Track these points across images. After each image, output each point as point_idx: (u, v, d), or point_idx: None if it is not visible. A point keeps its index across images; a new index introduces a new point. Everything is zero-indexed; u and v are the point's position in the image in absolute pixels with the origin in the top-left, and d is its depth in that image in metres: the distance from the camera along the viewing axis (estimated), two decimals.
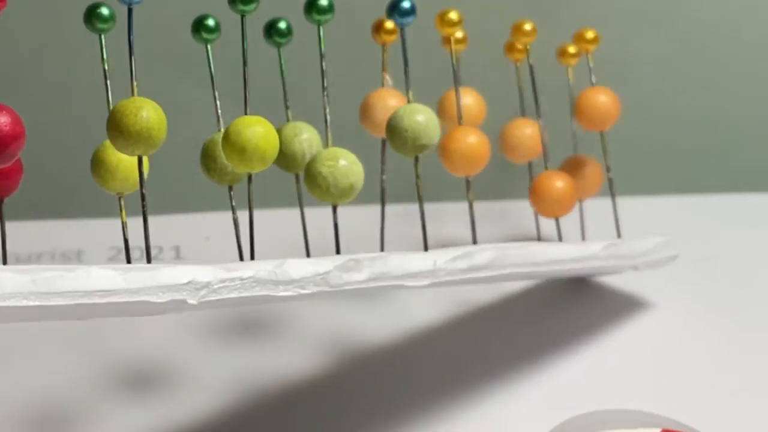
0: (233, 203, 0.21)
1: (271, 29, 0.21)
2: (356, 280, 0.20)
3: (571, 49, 0.28)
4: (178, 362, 0.27)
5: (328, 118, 0.21)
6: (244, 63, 0.19)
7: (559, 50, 0.28)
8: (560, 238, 0.28)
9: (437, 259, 0.22)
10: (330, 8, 0.20)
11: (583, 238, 0.29)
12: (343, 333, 0.29)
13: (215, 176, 0.21)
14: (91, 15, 0.19)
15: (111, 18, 0.19)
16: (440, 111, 0.27)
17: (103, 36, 0.19)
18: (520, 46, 0.28)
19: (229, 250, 0.21)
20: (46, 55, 0.49)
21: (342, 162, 0.20)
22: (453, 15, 0.24)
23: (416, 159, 0.21)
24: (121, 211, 0.20)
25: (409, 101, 0.22)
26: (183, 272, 0.18)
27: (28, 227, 0.34)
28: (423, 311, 0.30)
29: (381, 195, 0.25)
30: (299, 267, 0.20)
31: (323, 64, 0.21)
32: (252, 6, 0.19)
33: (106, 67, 0.19)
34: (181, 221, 0.35)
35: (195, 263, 0.18)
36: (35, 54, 0.48)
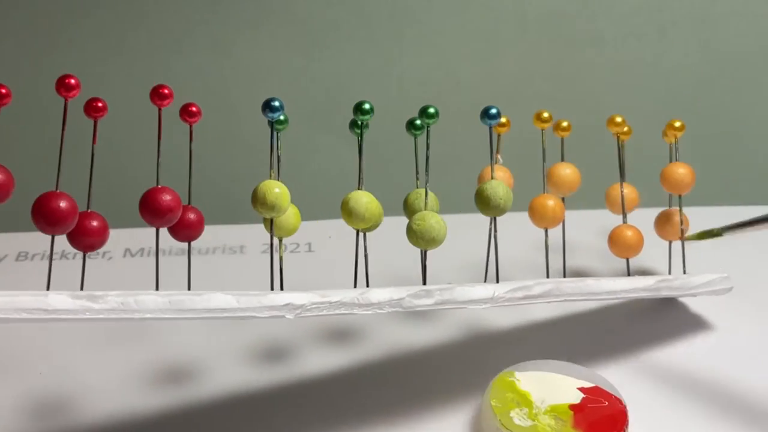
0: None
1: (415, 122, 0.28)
2: (425, 304, 0.26)
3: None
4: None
5: (427, 189, 0.27)
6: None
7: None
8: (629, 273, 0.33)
9: (496, 290, 0.27)
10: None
11: (670, 271, 0.34)
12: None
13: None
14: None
15: None
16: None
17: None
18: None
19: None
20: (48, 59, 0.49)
21: (429, 222, 0.26)
22: (546, 114, 0.31)
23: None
24: None
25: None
26: (282, 297, 0.24)
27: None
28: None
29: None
30: (379, 294, 0.25)
31: (428, 152, 0.27)
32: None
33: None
34: None
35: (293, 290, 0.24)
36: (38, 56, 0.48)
